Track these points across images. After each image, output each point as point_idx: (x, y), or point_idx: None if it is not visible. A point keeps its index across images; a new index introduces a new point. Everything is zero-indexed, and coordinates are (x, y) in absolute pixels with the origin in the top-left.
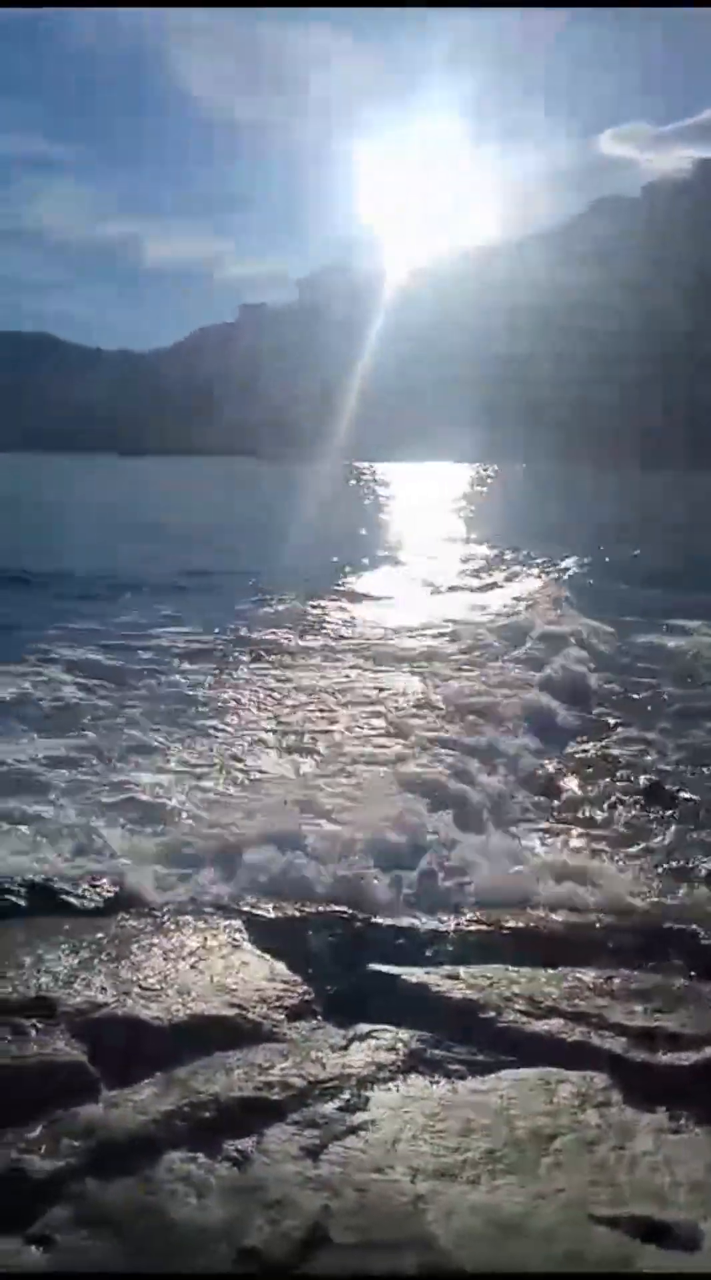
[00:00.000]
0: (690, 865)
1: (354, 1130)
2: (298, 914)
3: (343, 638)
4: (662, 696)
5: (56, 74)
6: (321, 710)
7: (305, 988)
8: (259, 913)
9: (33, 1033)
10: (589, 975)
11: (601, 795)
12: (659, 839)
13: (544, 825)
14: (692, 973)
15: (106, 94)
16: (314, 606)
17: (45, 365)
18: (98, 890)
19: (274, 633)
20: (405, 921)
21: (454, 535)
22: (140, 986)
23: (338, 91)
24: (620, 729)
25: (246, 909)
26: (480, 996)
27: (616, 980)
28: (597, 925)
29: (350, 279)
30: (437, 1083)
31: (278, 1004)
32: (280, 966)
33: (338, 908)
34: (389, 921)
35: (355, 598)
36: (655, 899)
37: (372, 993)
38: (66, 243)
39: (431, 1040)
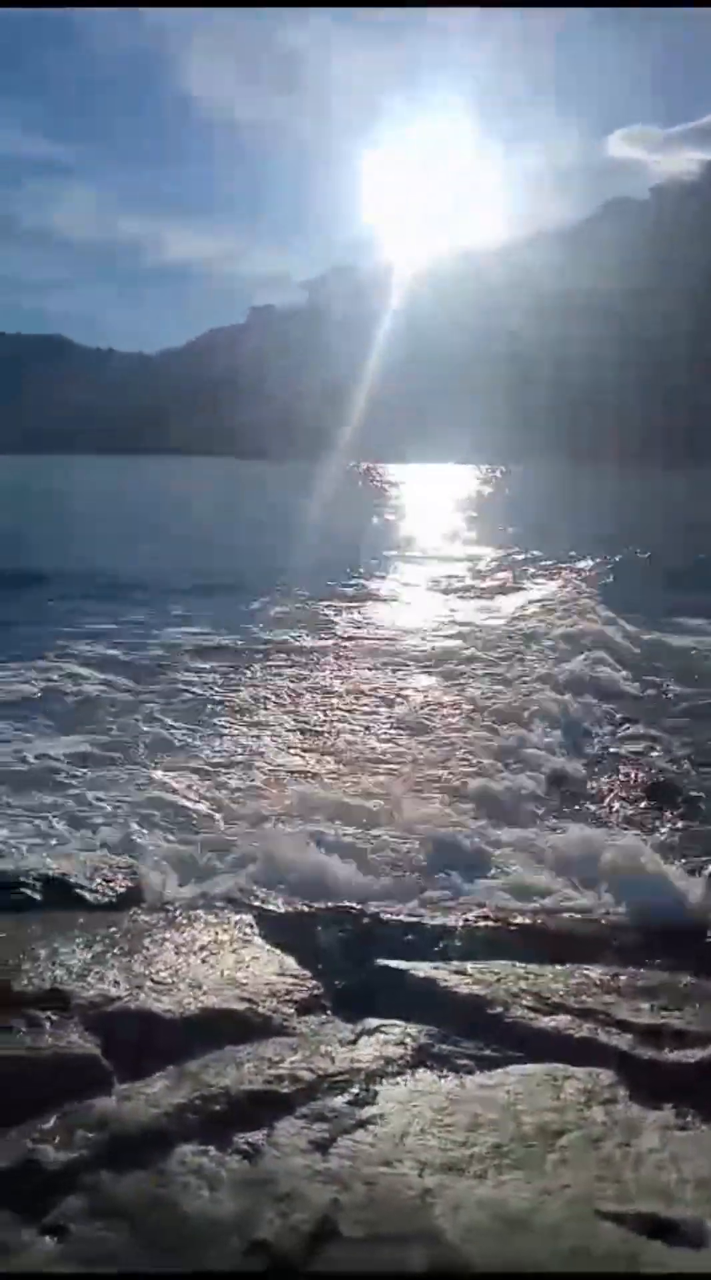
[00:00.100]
0: (697, 863)
1: (363, 1124)
2: (307, 909)
3: (356, 638)
4: (667, 695)
5: (65, 75)
6: (336, 709)
7: (314, 982)
8: (269, 908)
9: (47, 1025)
10: (595, 972)
11: (613, 793)
12: (665, 837)
13: (555, 823)
14: (699, 971)
15: (117, 95)
16: (326, 607)
17: (57, 366)
18: (111, 885)
19: (286, 633)
20: (413, 917)
21: (463, 536)
22: (152, 980)
23: (346, 92)
24: (635, 727)
25: (257, 904)
26: (487, 992)
27: (623, 977)
28: (604, 922)
29: (358, 280)
30: (445, 1078)
31: (287, 998)
32: (290, 961)
33: (347, 903)
34: (397, 917)
35: (367, 599)
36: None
37: (381, 988)
38: (76, 243)
39: (439, 1035)
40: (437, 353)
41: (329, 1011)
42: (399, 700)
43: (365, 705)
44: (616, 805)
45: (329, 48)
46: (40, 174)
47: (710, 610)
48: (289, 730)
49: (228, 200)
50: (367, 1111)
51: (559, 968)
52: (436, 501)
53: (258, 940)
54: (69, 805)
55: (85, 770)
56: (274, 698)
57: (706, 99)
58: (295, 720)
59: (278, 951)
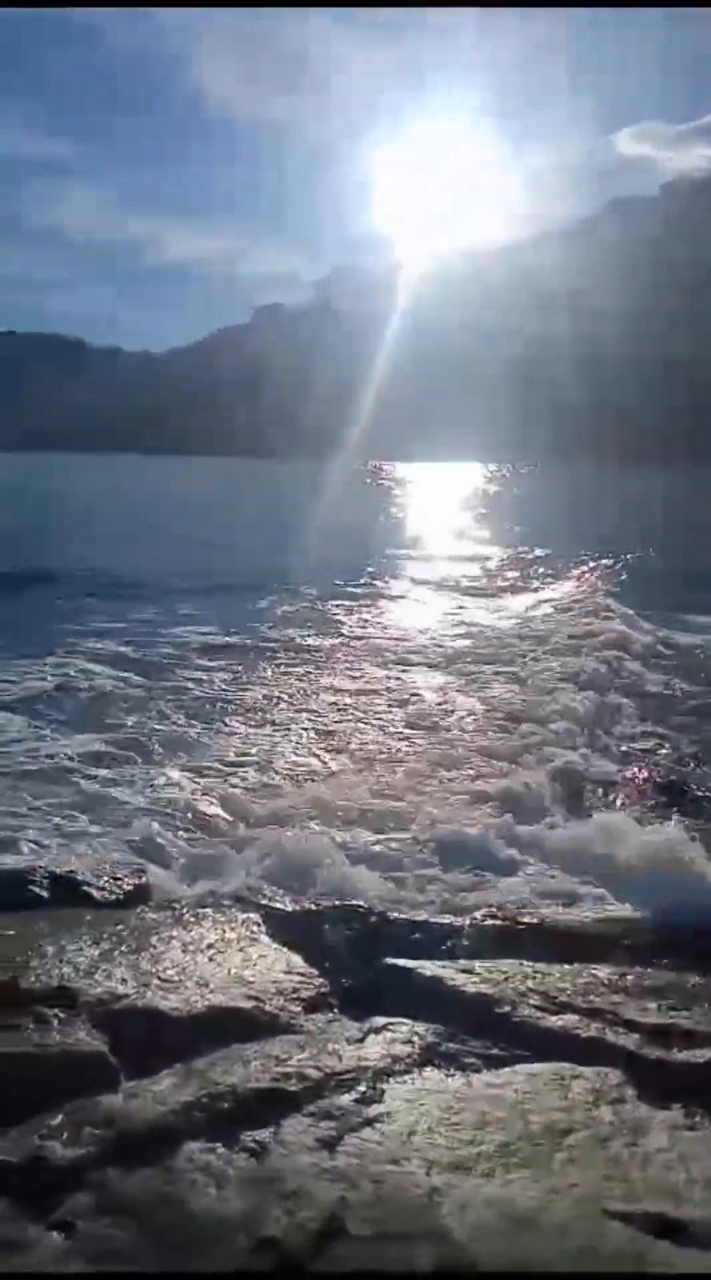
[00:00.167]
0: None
1: (370, 1122)
2: (314, 908)
3: (366, 638)
4: (679, 694)
5: (71, 75)
6: (347, 708)
7: (321, 981)
8: (276, 906)
9: (55, 1023)
10: (603, 971)
11: (628, 792)
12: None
13: (571, 821)
14: (707, 971)
15: (123, 94)
16: (335, 606)
17: (64, 365)
18: (118, 883)
19: (296, 632)
20: (421, 916)
21: (472, 535)
22: (160, 978)
23: (353, 91)
24: (652, 726)
25: (264, 903)
26: (495, 991)
27: (630, 977)
28: (612, 921)
29: (365, 279)
30: (452, 1076)
31: (295, 996)
32: (297, 960)
33: (354, 902)
34: (405, 916)
35: (377, 598)
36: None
37: (388, 986)
38: (83, 243)
39: (446, 1034)
40: (443, 351)
41: (336, 1010)
42: (411, 700)
43: (376, 704)
44: (632, 805)
45: (336, 47)
46: (47, 174)
47: None
48: (299, 729)
49: (235, 200)
50: (375, 1110)
51: (566, 967)
52: (444, 500)
53: (265, 939)
54: (79, 803)
55: (95, 768)
56: (284, 697)
57: None
58: (305, 719)
59: (285, 950)
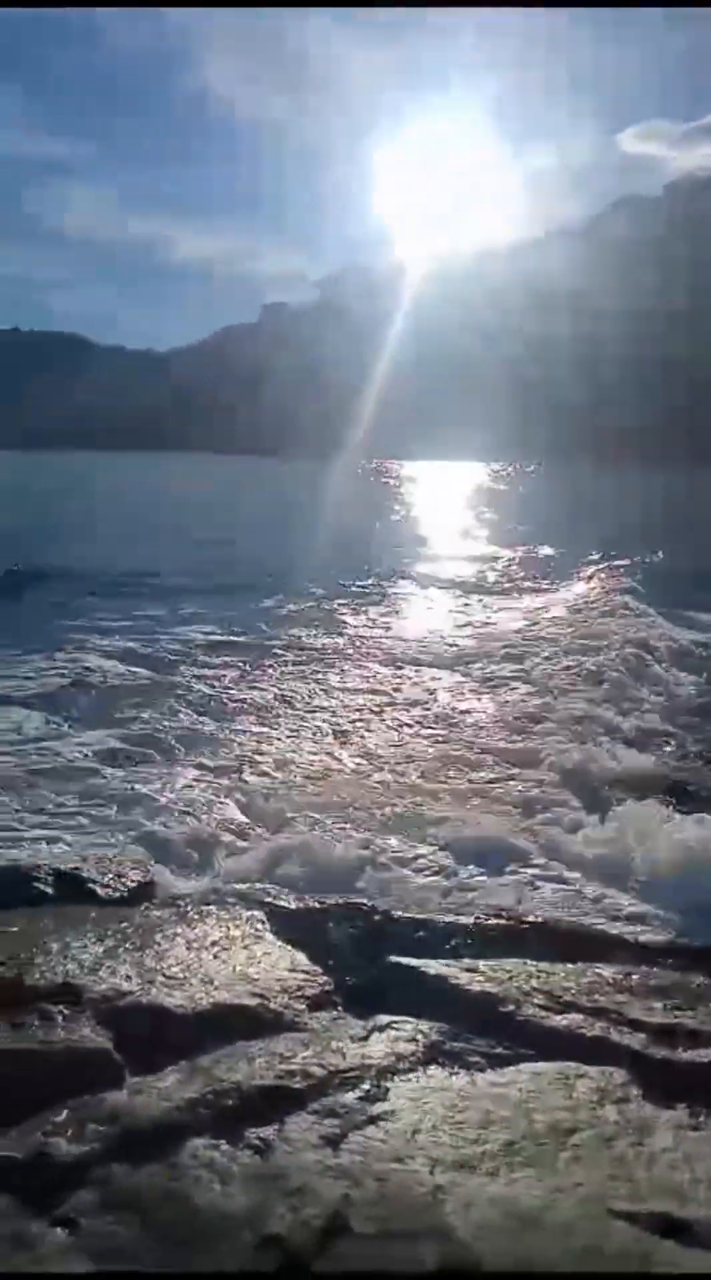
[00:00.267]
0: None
1: (374, 1120)
2: (319, 905)
3: (375, 638)
4: (697, 693)
5: (77, 75)
6: (356, 708)
7: (326, 978)
8: (281, 904)
9: (59, 1019)
10: (608, 971)
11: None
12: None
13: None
14: None
15: (128, 95)
16: (343, 606)
17: (69, 364)
18: (123, 880)
19: (303, 632)
20: (425, 914)
21: (479, 534)
22: (164, 975)
23: (357, 90)
24: (667, 725)
25: (268, 900)
26: (499, 990)
27: (635, 976)
28: (617, 920)
29: (370, 278)
30: (457, 1075)
31: (299, 994)
32: (301, 957)
33: (358, 900)
34: (409, 914)
35: (385, 598)
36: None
37: (392, 984)
38: (88, 242)
39: (450, 1032)
40: (447, 351)
41: (340, 1008)
42: (424, 700)
43: (388, 704)
44: (654, 803)
45: (339, 46)
46: (51, 173)
47: None
48: (309, 728)
49: (240, 199)
50: (379, 1108)
51: (571, 966)
52: (449, 498)
53: (269, 936)
54: (88, 800)
55: (102, 765)
56: (294, 696)
57: None
58: (315, 718)
59: (289, 948)
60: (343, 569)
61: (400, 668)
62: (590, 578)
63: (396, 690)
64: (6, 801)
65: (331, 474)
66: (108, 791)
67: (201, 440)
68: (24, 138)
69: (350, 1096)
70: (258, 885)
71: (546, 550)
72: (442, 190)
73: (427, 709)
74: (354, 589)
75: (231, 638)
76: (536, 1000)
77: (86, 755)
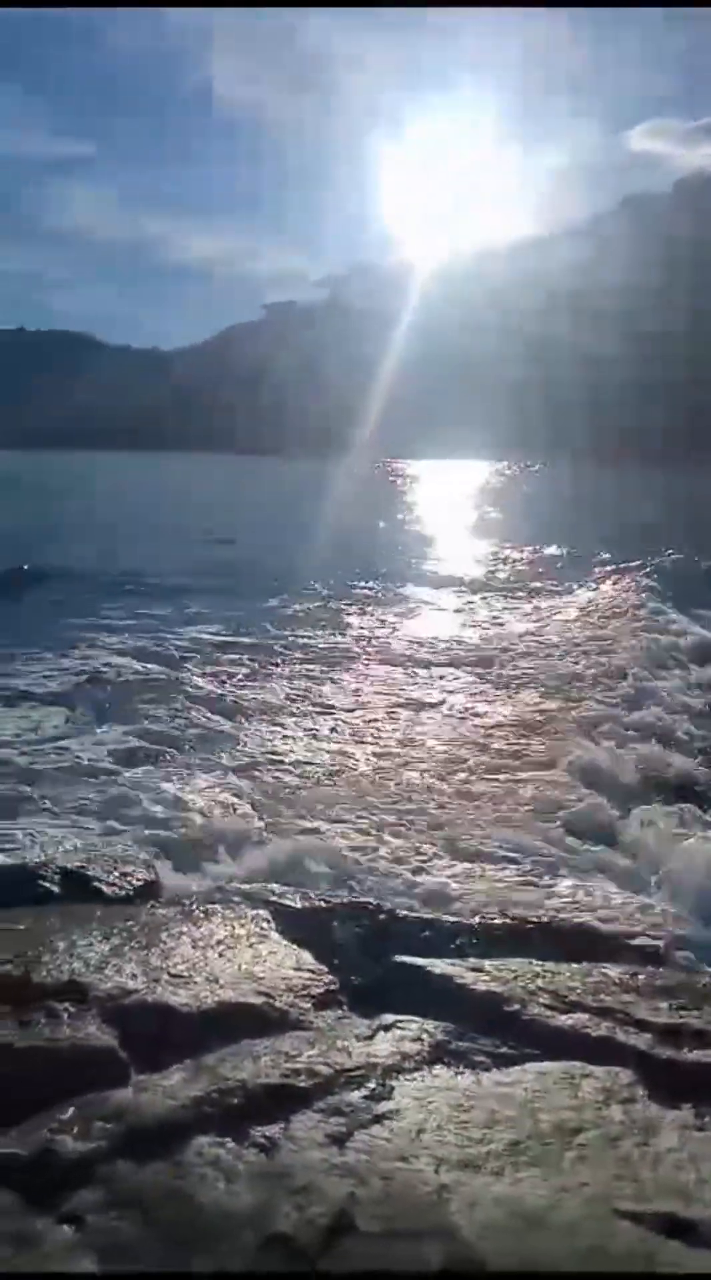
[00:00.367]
0: None
1: (379, 1119)
2: (324, 904)
3: (388, 639)
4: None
5: (82, 75)
6: (367, 709)
7: (331, 978)
8: (286, 903)
9: (65, 1017)
10: (614, 971)
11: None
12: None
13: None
14: None
15: (133, 94)
16: (352, 606)
17: (74, 363)
18: (129, 879)
19: (316, 632)
20: (430, 914)
21: (489, 533)
22: (170, 973)
23: (363, 89)
24: (674, 726)
25: (274, 899)
26: (505, 990)
27: (641, 976)
28: (622, 921)
29: (377, 277)
30: (462, 1074)
31: (304, 993)
32: (306, 956)
33: (363, 899)
34: (414, 914)
35: (394, 599)
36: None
37: (398, 983)
38: (92, 242)
39: (456, 1032)
40: (455, 348)
41: (345, 1007)
42: (433, 701)
43: (396, 705)
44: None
45: (347, 46)
46: (57, 173)
47: None
48: (316, 729)
49: (246, 199)
50: (384, 1107)
51: (576, 966)
52: (455, 497)
53: (274, 935)
54: (94, 799)
55: (112, 763)
56: (302, 696)
57: None
58: (323, 719)
59: (294, 947)
60: (349, 569)
61: (410, 668)
62: (603, 577)
63: (406, 690)
64: (17, 798)
65: (340, 472)
66: (116, 790)
67: (209, 438)
68: (24, 138)
69: (355, 1095)
70: (263, 884)
71: (555, 549)
72: (448, 190)
73: (438, 709)
74: (361, 589)
75: (239, 638)
76: (542, 1000)
77: (101, 754)
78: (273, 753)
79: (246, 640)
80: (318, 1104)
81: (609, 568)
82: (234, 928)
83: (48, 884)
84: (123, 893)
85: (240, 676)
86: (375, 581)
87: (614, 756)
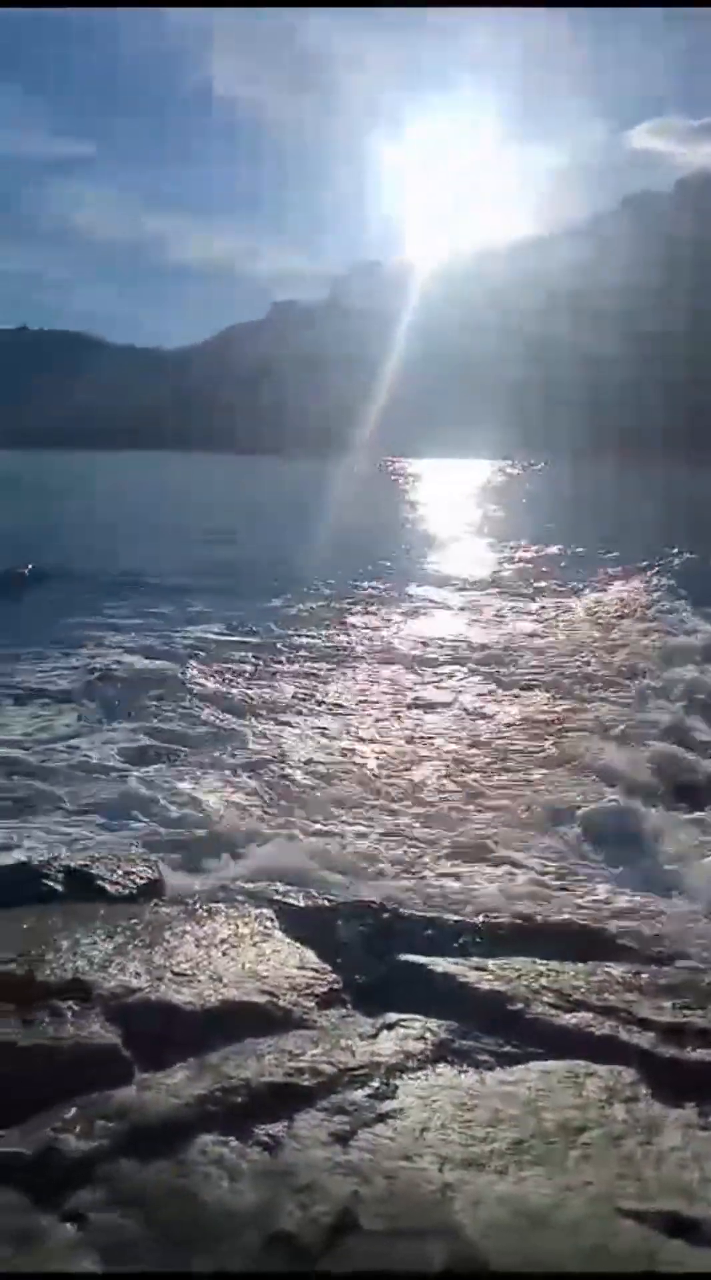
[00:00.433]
0: None
1: (383, 1118)
2: (327, 903)
3: (394, 639)
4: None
5: (82, 74)
6: (374, 708)
7: (335, 976)
8: (289, 902)
9: (69, 1015)
10: (617, 970)
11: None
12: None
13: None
14: None
15: (135, 94)
16: (356, 606)
17: (76, 362)
18: (132, 877)
19: (316, 632)
20: (434, 913)
21: (491, 532)
22: (173, 972)
23: (365, 89)
24: (684, 725)
25: (277, 898)
26: (508, 988)
27: (644, 975)
28: (626, 920)
29: (379, 276)
30: (465, 1073)
31: (308, 991)
32: (310, 955)
33: (367, 898)
34: (418, 913)
35: (398, 599)
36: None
37: (401, 982)
38: (95, 242)
39: (459, 1031)
40: (458, 348)
41: (349, 1005)
42: (441, 701)
43: (403, 705)
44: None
45: (347, 46)
46: (57, 173)
47: None
48: (323, 728)
49: (249, 199)
50: (388, 1105)
51: (580, 965)
52: (458, 496)
53: (278, 934)
54: (105, 797)
55: (118, 761)
56: (308, 695)
57: None
58: (329, 718)
59: (298, 945)
60: (352, 568)
61: (417, 668)
62: (610, 576)
63: (414, 690)
64: (29, 796)
65: (337, 472)
66: (126, 788)
67: (207, 440)
68: (24, 137)
69: (359, 1094)
70: (267, 883)
71: (560, 548)
72: (448, 190)
73: (447, 709)
74: (365, 588)
75: (245, 637)
76: (545, 999)
77: (111, 752)
78: (281, 751)
79: (252, 640)
80: (321, 1103)
81: (615, 567)
82: (237, 926)
83: (51, 882)
84: (126, 891)
85: (247, 675)
86: (378, 580)
87: (628, 756)
